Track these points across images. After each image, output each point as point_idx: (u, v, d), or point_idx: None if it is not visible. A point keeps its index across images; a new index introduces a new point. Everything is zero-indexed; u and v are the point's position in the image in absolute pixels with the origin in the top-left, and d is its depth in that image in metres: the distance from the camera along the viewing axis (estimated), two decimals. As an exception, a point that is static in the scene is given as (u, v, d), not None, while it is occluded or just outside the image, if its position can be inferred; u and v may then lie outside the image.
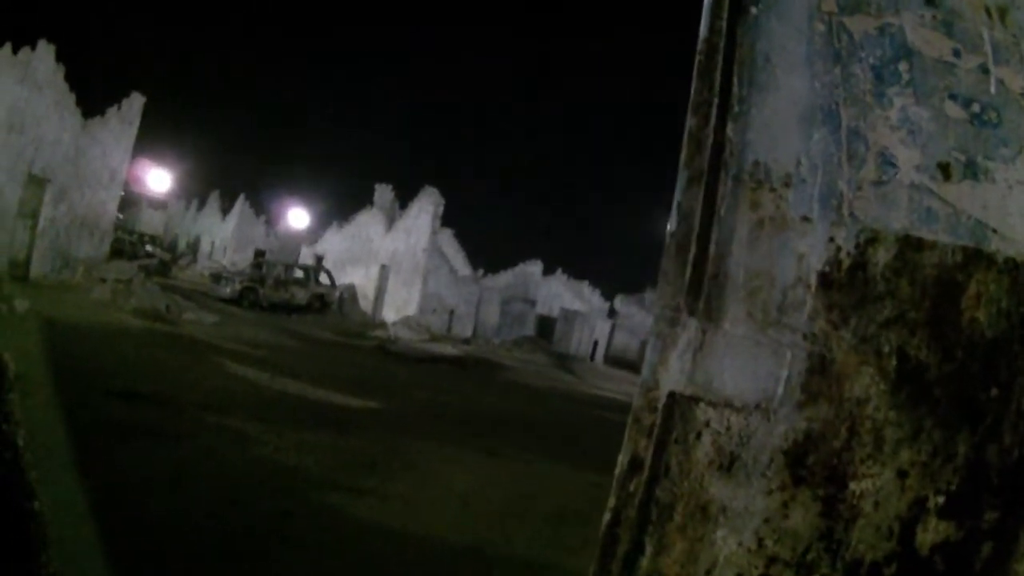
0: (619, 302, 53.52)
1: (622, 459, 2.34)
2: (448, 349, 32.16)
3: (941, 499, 2.08)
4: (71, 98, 22.64)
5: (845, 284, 2.15)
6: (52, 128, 21.56)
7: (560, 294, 56.08)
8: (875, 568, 2.09)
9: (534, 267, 55.56)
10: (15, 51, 19.98)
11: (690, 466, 2.23)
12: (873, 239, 2.14)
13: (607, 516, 2.34)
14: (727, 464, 2.19)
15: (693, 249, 2.27)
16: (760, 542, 2.15)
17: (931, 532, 2.08)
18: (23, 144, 20.06)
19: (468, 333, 43.57)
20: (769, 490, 2.15)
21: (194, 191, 76.26)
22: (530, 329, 48.26)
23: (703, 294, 2.25)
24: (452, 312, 43.12)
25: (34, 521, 2.49)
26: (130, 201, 62.75)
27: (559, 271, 58.28)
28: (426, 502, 9.26)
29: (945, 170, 2.13)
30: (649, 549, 2.24)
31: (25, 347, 12.81)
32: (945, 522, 2.07)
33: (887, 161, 2.15)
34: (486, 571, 7.25)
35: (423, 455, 11.83)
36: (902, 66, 2.17)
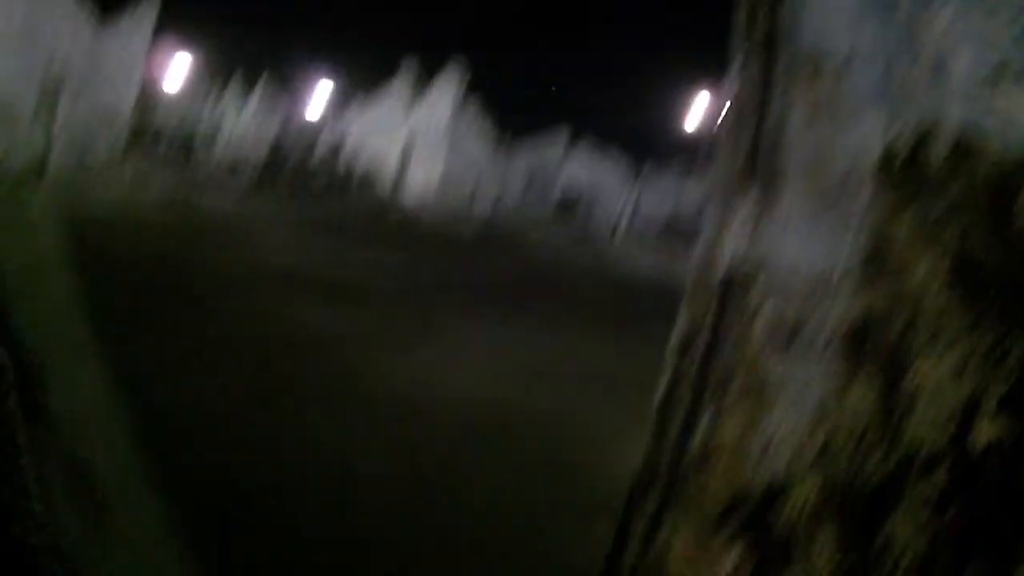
0: (645, 176, 53.06)
1: (678, 331, 2.35)
2: (473, 224, 32.03)
3: (995, 398, 2.04)
4: (84, 2, 22.38)
5: (902, 173, 2.11)
6: (67, 33, 21.32)
7: (586, 167, 55.58)
8: (929, 462, 2.08)
9: (559, 140, 54.89)
10: (25, -36, 19.62)
11: (747, 341, 2.21)
12: (929, 132, 2.10)
13: (661, 390, 2.34)
14: (785, 340, 2.17)
15: (751, 124, 2.23)
16: (817, 422, 2.14)
17: (985, 430, 2.05)
18: (38, 53, 19.84)
19: (492, 206, 43.37)
20: (827, 370, 2.14)
21: (214, 78, 75.53)
22: (555, 202, 47.96)
23: (761, 169, 2.21)
24: (476, 187, 42.86)
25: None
26: (148, 93, 62.28)
27: (584, 144, 57.64)
28: (453, 371, 9.35)
29: (997, 75, 2.08)
30: (704, 424, 2.24)
31: (45, 244, 12.76)
32: (998, 421, 2.04)
33: (940, 59, 2.11)
34: (516, 439, 7.28)
35: (449, 326, 11.95)
36: None
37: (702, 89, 51.06)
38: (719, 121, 2.43)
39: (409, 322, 11.93)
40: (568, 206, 47.12)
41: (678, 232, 44.79)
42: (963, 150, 2.06)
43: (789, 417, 2.15)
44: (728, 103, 2.33)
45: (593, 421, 8.21)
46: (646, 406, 2.36)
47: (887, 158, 2.10)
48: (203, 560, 4.51)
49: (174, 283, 11.41)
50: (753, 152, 2.20)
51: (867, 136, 2.12)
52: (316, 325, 10.63)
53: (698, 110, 52.94)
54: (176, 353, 8.23)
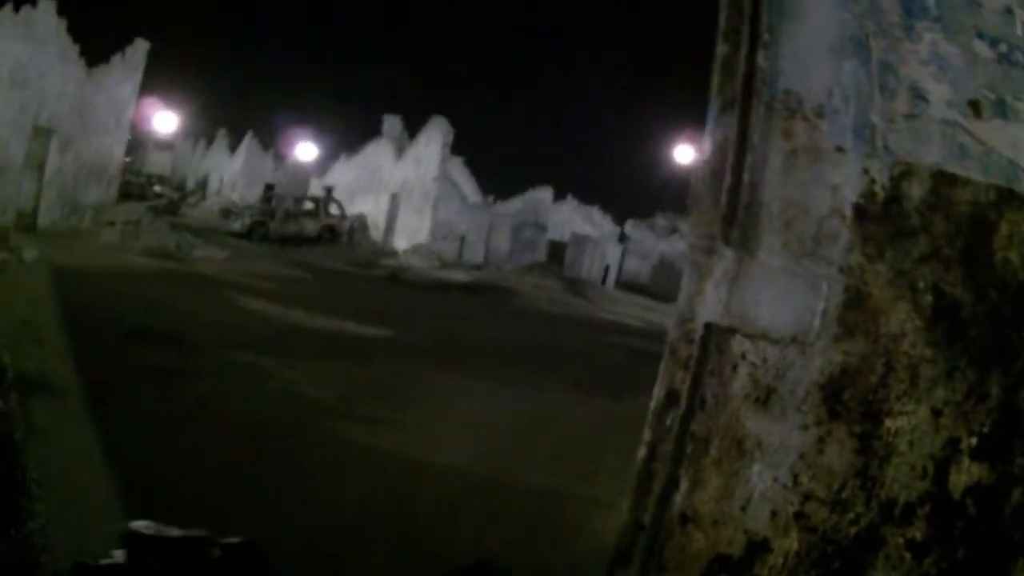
0: (630, 227, 53.27)
1: (658, 392, 2.33)
2: (460, 276, 32.15)
3: (974, 440, 2.07)
4: (75, 49, 22.33)
5: (880, 217, 2.11)
6: (56, 80, 21.25)
7: (571, 219, 55.78)
8: (909, 509, 2.09)
9: (544, 193, 55.13)
10: (16, 9, 19.57)
11: (726, 399, 2.20)
12: (907, 172, 2.10)
13: (643, 451, 2.33)
14: (763, 397, 2.17)
15: (728, 178, 2.23)
16: (795, 478, 2.15)
17: (964, 474, 2.08)
18: (28, 98, 19.76)
19: (479, 260, 43.47)
20: (805, 425, 2.14)
21: (201, 130, 75.70)
22: (541, 255, 48.17)
23: (738, 223, 2.21)
24: (463, 239, 43.01)
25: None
26: (137, 143, 62.21)
27: (569, 196, 57.94)
28: (441, 431, 9.27)
29: (975, 107, 2.10)
30: (685, 484, 2.23)
31: (35, 295, 12.75)
32: (977, 464, 2.07)
33: (918, 95, 2.12)
34: (503, 502, 7.25)
35: (437, 384, 11.85)
36: (929, 1, 2.13)
37: (685, 141, 51.52)
38: (693, 178, 2.44)
39: (402, 377, 11.93)
40: (557, 255, 47.24)
41: (665, 281, 45.00)
42: (941, 186, 2.08)
43: (767, 475, 2.15)
44: (703, 159, 2.34)
45: (584, 480, 8.18)
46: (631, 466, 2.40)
47: (864, 201, 2.11)
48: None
49: (165, 335, 11.38)
50: (730, 208, 2.21)
51: (845, 180, 2.13)
52: (309, 379, 10.65)
53: (681, 160, 53.43)
54: (166, 408, 8.21)
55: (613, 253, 47.31)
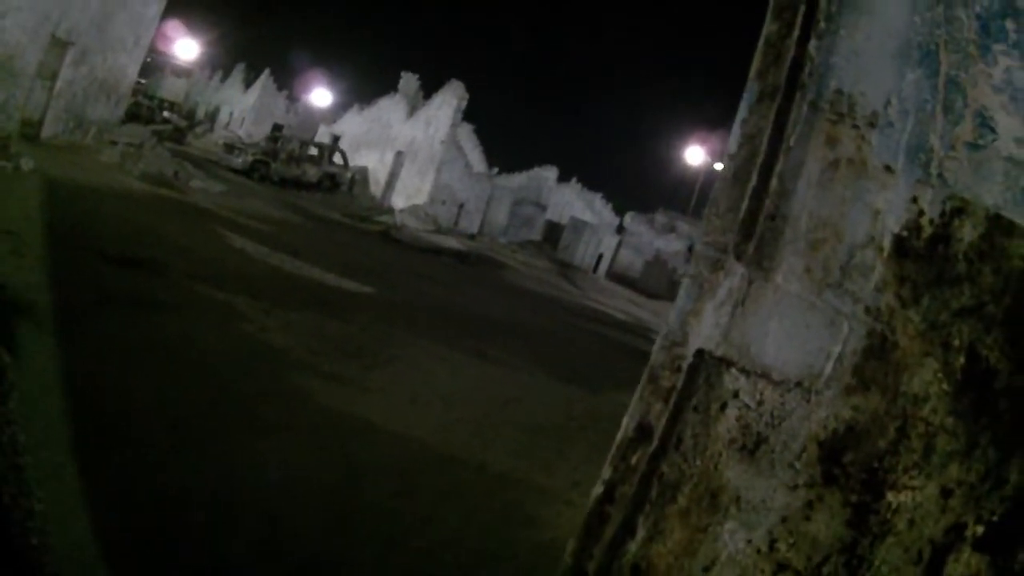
0: (629, 219, 53.20)
1: (627, 424, 2.05)
2: (453, 243, 32.02)
3: (980, 529, 1.81)
4: (100, -37, 21.92)
5: (923, 256, 1.83)
6: (79, -4, 20.86)
7: (571, 203, 55.84)
8: None
9: (549, 172, 55.18)
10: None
11: (708, 442, 1.94)
12: (961, 210, 1.81)
13: (598, 489, 2.06)
14: (751, 446, 1.90)
15: (753, 180, 1.95)
16: (772, 544, 1.88)
17: (962, 565, 1.81)
18: (49, 7, 19.38)
19: (475, 229, 43.46)
20: (794, 485, 1.87)
21: (220, 62, 75.78)
22: (537, 233, 48.19)
23: (756, 236, 1.94)
24: (461, 206, 42.92)
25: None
26: (154, 67, 62.25)
27: (574, 180, 58.00)
28: (407, 399, 9.10)
29: None
30: (642, 533, 1.96)
31: (24, 206, 12.53)
32: (979, 556, 1.80)
33: (986, 124, 1.82)
34: (457, 481, 7.07)
35: (411, 349, 11.69)
36: (1008, 24, 1.84)
37: (696, 142, 51.47)
38: (718, 175, 2.11)
39: (375, 337, 11.74)
40: (552, 236, 47.25)
41: (656, 278, 44.97)
42: (996, 233, 1.78)
43: (741, 535, 1.89)
44: (728, 156, 2.03)
45: (543, 469, 8.02)
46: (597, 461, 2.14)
47: (908, 234, 1.83)
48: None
49: (146, 263, 11.15)
50: (750, 216, 1.94)
51: (889, 206, 1.85)
52: (281, 327, 10.44)
53: (691, 161, 53.38)
54: (131, 340, 7.96)
55: (609, 242, 47.23)
